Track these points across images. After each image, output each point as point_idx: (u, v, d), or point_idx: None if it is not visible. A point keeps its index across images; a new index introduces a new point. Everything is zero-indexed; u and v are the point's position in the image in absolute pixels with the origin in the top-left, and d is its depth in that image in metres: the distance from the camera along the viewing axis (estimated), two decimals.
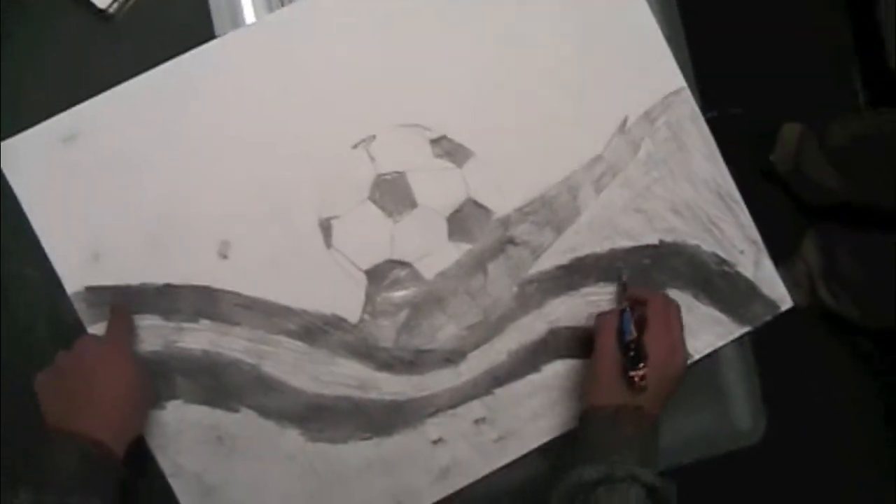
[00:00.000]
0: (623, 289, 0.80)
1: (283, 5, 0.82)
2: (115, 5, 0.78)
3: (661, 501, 0.66)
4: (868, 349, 1.49)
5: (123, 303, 0.77)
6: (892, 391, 1.50)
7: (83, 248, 0.78)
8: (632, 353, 0.70)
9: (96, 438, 0.67)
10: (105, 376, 0.71)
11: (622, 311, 0.74)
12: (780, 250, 1.37)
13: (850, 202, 1.38)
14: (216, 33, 0.81)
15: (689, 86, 0.83)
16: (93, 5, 0.78)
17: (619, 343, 0.72)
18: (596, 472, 0.66)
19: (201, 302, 0.78)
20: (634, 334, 0.71)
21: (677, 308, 0.75)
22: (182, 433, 0.78)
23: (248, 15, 0.83)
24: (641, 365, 0.69)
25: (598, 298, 0.81)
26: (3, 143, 0.77)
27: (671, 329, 0.73)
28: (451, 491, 0.80)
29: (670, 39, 0.83)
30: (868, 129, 1.28)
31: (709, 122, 0.85)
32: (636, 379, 0.69)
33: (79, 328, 0.77)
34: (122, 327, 0.76)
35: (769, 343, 0.87)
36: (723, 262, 0.83)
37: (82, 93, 0.78)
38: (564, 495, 0.67)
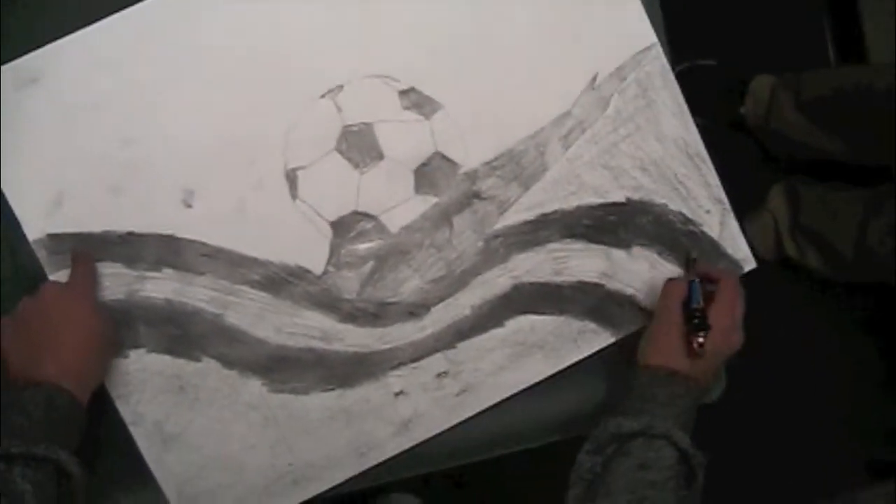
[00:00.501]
0: (692, 263, 0.81)
1: None
2: None
3: (692, 469, 0.67)
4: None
5: (86, 249, 0.77)
6: (856, 349, 1.52)
7: (45, 195, 0.77)
8: (696, 321, 0.71)
9: (60, 385, 0.67)
10: (68, 323, 0.70)
11: (691, 282, 0.75)
12: (748, 202, 1.39)
13: (818, 155, 1.38)
14: None
15: (660, 40, 0.83)
16: None
17: (685, 310, 0.73)
18: (636, 423, 0.68)
19: (165, 251, 0.77)
20: (701, 304, 0.73)
21: (743, 294, 0.76)
22: (144, 382, 0.78)
23: None
24: (703, 333, 0.70)
25: (563, 255, 0.81)
26: None
27: (735, 310, 0.74)
28: (412, 443, 0.81)
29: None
30: (846, 83, 1.27)
31: (680, 73, 0.84)
32: (695, 346, 0.70)
33: (41, 275, 0.76)
34: (85, 274, 0.75)
35: None
36: (688, 221, 0.83)
37: (46, 36, 0.76)
38: (598, 442, 0.68)
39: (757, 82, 1.40)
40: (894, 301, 1.42)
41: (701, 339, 0.70)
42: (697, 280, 0.76)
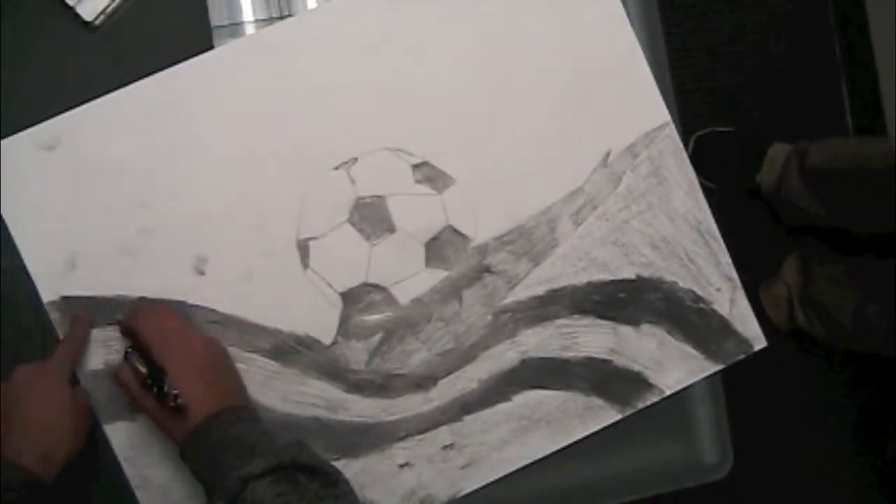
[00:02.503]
0: (123, 329, 0.77)
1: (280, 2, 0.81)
2: (101, 17, 0.78)
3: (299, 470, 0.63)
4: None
5: (84, 318, 0.77)
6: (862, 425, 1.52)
7: (59, 257, 0.78)
8: (154, 390, 0.68)
9: (19, 464, 0.67)
10: (35, 402, 0.71)
11: (126, 355, 0.72)
12: (764, 271, 1.39)
13: (823, 223, 1.39)
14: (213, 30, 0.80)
15: (674, 116, 0.83)
16: (79, 17, 0.78)
17: (142, 384, 0.69)
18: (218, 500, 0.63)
19: None
20: (142, 369, 0.69)
21: (158, 305, 0.75)
22: (151, 446, 0.78)
23: (247, 13, 0.82)
24: (172, 390, 0.67)
25: (571, 330, 0.82)
26: None
27: (168, 329, 0.71)
28: None
29: (656, 65, 0.83)
30: (847, 156, 1.28)
31: (699, 139, 0.85)
32: (173, 405, 0.67)
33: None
34: (73, 344, 0.76)
35: (740, 376, 0.88)
36: (698, 298, 0.83)
37: (66, 102, 0.78)
38: None
39: (774, 150, 1.41)
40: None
41: (174, 393, 0.66)
42: (128, 350, 0.72)
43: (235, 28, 0.81)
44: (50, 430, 0.71)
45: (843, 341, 1.38)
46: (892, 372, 1.36)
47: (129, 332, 0.75)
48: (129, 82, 0.78)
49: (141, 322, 0.72)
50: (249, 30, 0.81)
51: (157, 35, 0.80)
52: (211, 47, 0.80)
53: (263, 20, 0.81)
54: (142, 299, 0.77)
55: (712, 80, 1.48)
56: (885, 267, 1.29)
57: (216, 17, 0.81)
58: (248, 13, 0.81)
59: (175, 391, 0.67)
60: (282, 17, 0.81)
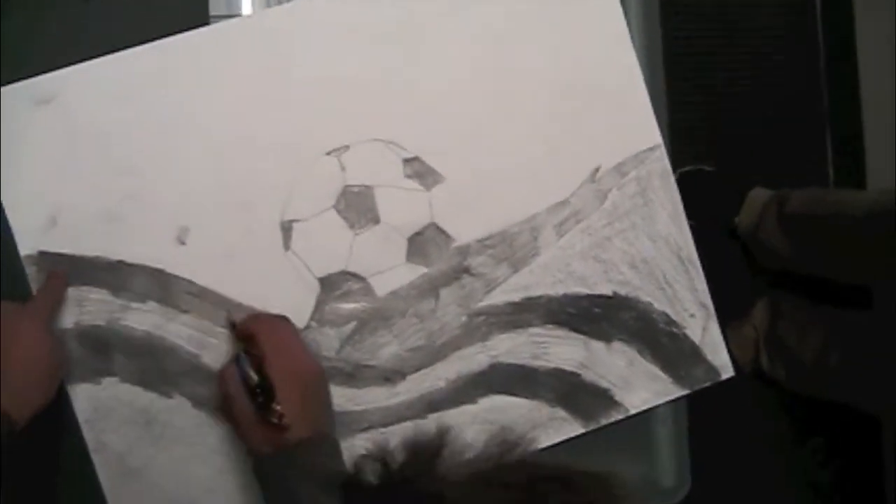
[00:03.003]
0: (233, 329, 0.77)
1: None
2: None
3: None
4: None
5: (61, 274, 0.77)
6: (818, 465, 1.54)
7: (42, 212, 0.78)
8: (259, 400, 0.67)
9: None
10: (14, 343, 0.70)
11: (237, 358, 0.71)
12: (733, 311, 1.41)
13: (796, 269, 1.41)
14: (211, 19, 0.81)
15: (664, 141, 0.84)
16: None
17: (247, 391, 0.69)
18: None
19: (152, 284, 0.78)
20: (254, 378, 0.68)
21: (283, 321, 0.74)
22: (112, 410, 0.78)
23: (246, 6, 0.83)
24: (274, 405, 0.66)
25: (543, 340, 0.82)
26: None
27: (287, 346, 0.71)
28: None
29: (653, 92, 0.84)
30: (825, 204, 1.31)
31: (682, 175, 0.86)
32: (275, 421, 0.66)
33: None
34: (48, 297, 0.76)
35: (703, 402, 0.88)
36: (672, 322, 0.84)
37: (63, 60, 0.78)
38: None
39: (754, 194, 1.44)
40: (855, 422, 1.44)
41: (279, 411, 0.66)
42: (241, 353, 0.71)
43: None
44: (29, 372, 0.70)
45: (803, 386, 1.40)
46: (852, 415, 1.37)
47: (243, 337, 0.74)
48: (129, 46, 0.78)
49: (261, 332, 0.71)
50: None
51: (156, 12, 0.80)
52: None
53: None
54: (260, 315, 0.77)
55: (702, 119, 1.51)
56: (851, 316, 1.32)
57: (215, 6, 0.81)
58: (247, 6, 0.82)
59: (278, 406, 0.67)
60: None
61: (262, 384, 0.68)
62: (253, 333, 0.72)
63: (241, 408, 0.69)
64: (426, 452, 0.45)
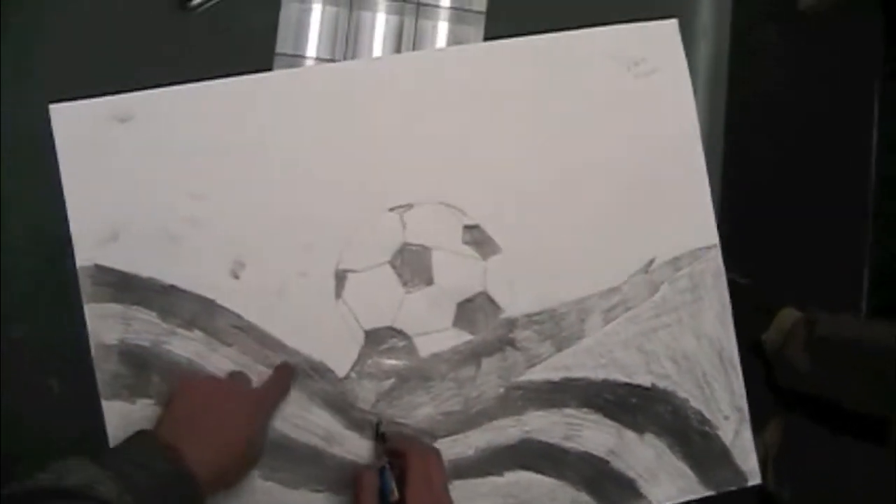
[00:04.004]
0: (381, 440, 0.78)
1: (346, 48, 0.83)
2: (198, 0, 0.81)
3: None
4: None
5: (290, 368, 0.79)
6: None
7: (104, 226, 0.79)
8: None
9: (199, 474, 0.64)
10: (229, 422, 0.70)
11: (381, 470, 0.71)
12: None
13: (819, 394, 1.41)
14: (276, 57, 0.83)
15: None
16: None
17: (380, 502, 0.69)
18: None
19: (201, 313, 0.79)
20: (396, 495, 0.69)
21: (436, 455, 0.74)
22: None
23: (311, 49, 0.84)
24: None
25: (577, 422, 0.82)
26: (56, 105, 0.78)
27: (432, 482, 0.70)
28: None
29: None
30: (855, 332, 1.31)
31: None
32: None
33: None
34: (277, 389, 0.77)
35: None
36: (705, 421, 0.84)
37: (139, 76, 0.79)
38: None
39: (784, 314, 1.44)
40: None
41: None
42: (387, 465, 0.71)
43: (296, 59, 0.83)
44: (233, 453, 0.69)
45: None
46: None
47: (390, 452, 0.74)
48: (207, 71, 0.80)
49: (412, 455, 0.71)
50: (309, 64, 0.83)
51: (224, 40, 0.82)
52: (269, 68, 0.82)
53: (324, 59, 0.84)
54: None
55: (744, 230, 1.51)
56: (866, 449, 1.30)
57: (282, 44, 0.83)
58: (311, 49, 0.84)
59: None
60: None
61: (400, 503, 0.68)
62: (403, 453, 0.72)
63: None
64: None
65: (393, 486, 0.69)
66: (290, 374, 0.78)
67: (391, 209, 0.81)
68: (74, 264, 0.78)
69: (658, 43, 0.85)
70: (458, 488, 0.81)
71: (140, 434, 0.66)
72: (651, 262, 0.83)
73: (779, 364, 1.45)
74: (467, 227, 0.81)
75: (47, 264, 0.79)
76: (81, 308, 0.78)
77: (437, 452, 0.74)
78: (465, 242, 0.81)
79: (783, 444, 1.42)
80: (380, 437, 0.79)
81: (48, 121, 0.79)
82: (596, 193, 0.83)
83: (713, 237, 0.84)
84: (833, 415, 1.40)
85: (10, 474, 0.59)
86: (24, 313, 0.80)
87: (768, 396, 1.49)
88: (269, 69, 0.82)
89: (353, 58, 0.84)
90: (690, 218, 0.84)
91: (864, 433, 1.37)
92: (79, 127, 0.79)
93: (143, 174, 0.79)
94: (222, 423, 0.69)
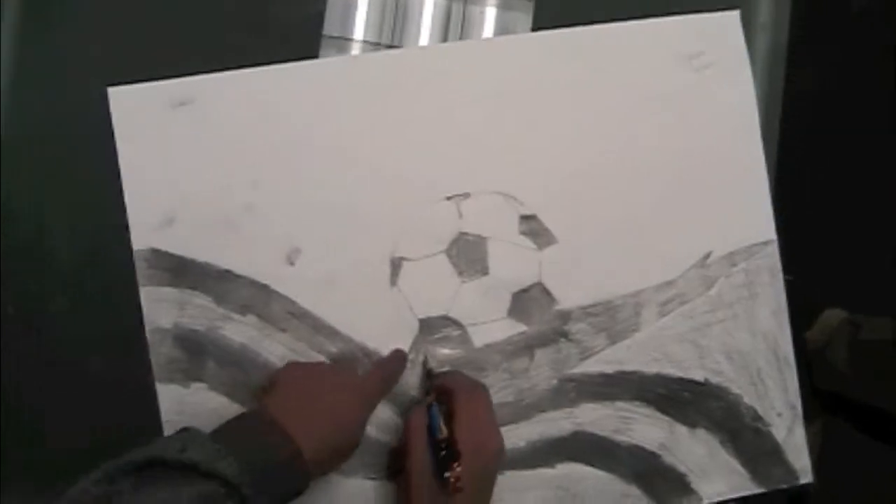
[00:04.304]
0: (427, 377, 0.77)
1: (393, 30, 0.83)
2: None
3: None
4: None
5: (403, 355, 0.79)
6: None
7: (161, 210, 0.79)
8: (443, 453, 0.67)
9: (308, 459, 0.64)
10: (349, 416, 0.71)
11: (429, 407, 0.71)
12: None
13: (859, 399, 1.39)
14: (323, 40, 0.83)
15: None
16: None
17: (431, 442, 0.69)
18: None
19: (256, 298, 0.79)
20: (445, 432, 0.68)
21: (485, 392, 0.73)
22: (196, 416, 0.78)
23: (358, 32, 0.84)
24: (456, 465, 0.66)
25: (629, 415, 0.82)
26: (115, 89, 0.78)
27: (480, 418, 0.70)
28: None
29: None
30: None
31: None
32: (452, 480, 0.66)
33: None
34: (385, 381, 0.77)
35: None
36: (758, 418, 0.83)
37: (194, 61, 0.80)
38: None
39: (828, 314, 1.43)
40: None
41: (457, 473, 0.65)
42: (435, 403, 0.71)
43: (343, 42, 0.83)
44: (341, 444, 0.70)
45: None
46: None
47: (438, 389, 0.74)
48: (277, 62, 0.80)
49: (459, 392, 0.71)
50: (356, 48, 0.83)
51: (271, 23, 0.82)
52: (315, 52, 0.82)
53: (371, 42, 0.83)
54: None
55: (793, 225, 1.49)
56: None
57: (329, 26, 0.83)
58: (359, 32, 0.83)
59: (458, 468, 0.66)
60: (390, 46, 0.83)
61: (448, 441, 0.68)
62: (451, 390, 0.72)
63: (418, 456, 0.69)
64: None
65: (441, 423, 0.69)
66: (401, 363, 0.78)
67: (448, 198, 0.80)
68: (121, 247, 0.78)
69: (718, 35, 0.84)
70: (507, 479, 0.80)
71: (252, 414, 0.66)
72: (707, 256, 0.82)
73: (820, 364, 1.43)
74: (524, 218, 0.81)
75: (93, 246, 0.80)
76: (128, 290, 0.78)
77: (485, 389, 0.74)
78: (522, 233, 0.81)
79: (822, 449, 1.41)
80: (427, 373, 0.78)
81: (105, 103, 0.79)
82: (652, 186, 0.82)
83: (771, 233, 0.83)
84: (873, 419, 1.39)
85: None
86: (67, 291, 0.80)
87: (808, 397, 1.48)
88: (315, 54, 0.82)
89: (400, 41, 0.83)
90: (747, 213, 0.83)
91: None
92: (137, 110, 0.79)
93: (200, 159, 0.79)
94: (333, 411, 0.69)
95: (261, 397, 0.72)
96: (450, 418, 0.70)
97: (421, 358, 0.80)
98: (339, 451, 0.70)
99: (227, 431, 0.63)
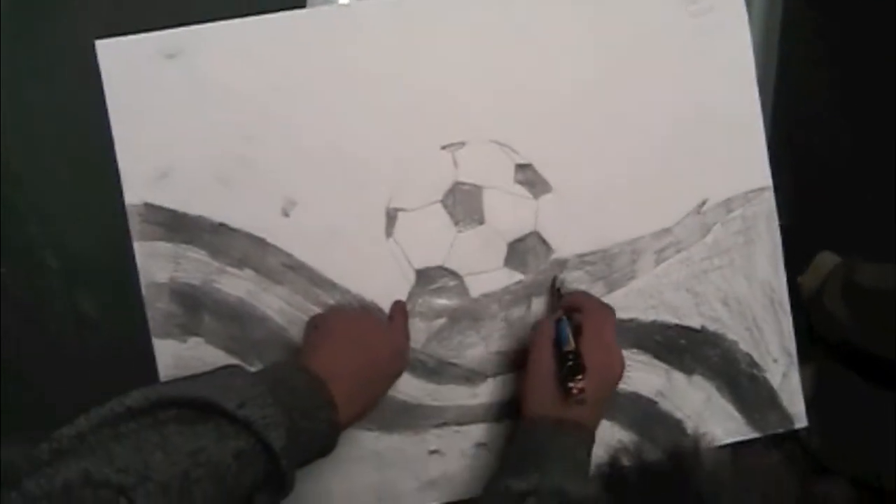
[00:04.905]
0: (558, 296, 0.79)
1: None
2: None
3: None
4: None
5: (405, 309, 0.79)
6: None
7: (154, 165, 0.78)
8: (570, 364, 0.68)
9: (337, 406, 0.63)
10: (390, 369, 0.73)
11: (558, 320, 0.72)
12: None
13: (854, 344, 1.39)
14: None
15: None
16: None
17: (556, 353, 0.70)
18: (525, 483, 0.64)
19: (251, 252, 0.78)
20: (572, 345, 0.69)
21: (611, 312, 0.74)
22: (193, 371, 0.77)
23: None
24: (580, 377, 0.67)
25: (627, 363, 0.81)
26: (103, 41, 0.77)
27: (606, 336, 0.72)
28: (432, 503, 0.80)
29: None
30: (893, 283, 1.29)
31: None
32: (575, 391, 0.66)
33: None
34: (406, 325, 0.78)
35: None
36: (754, 364, 0.84)
37: (185, 12, 0.78)
38: None
39: (822, 257, 1.42)
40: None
41: (580, 385, 0.66)
42: (564, 318, 0.73)
43: None
44: (374, 403, 0.70)
45: (836, 461, 1.38)
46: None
47: (568, 306, 0.75)
48: (265, 13, 0.78)
49: (589, 311, 0.73)
50: None
51: None
52: (303, 2, 0.81)
53: None
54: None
55: (788, 171, 1.48)
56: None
57: None
58: None
59: (582, 381, 0.67)
60: None
61: (575, 354, 0.68)
62: (580, 309, 0.73)
63: (543, 363, 0.70)
64: (683, 451, 0.44)
65: (570, 335, 0.70)
66: (407, 315, 0.79)
67: (443, 147, 0.80)
68: (116, 198, 0.77)
69: None
70: (508, 427, 0.81)
71: (302, 371, 0.64)
72: (703, 203, 0.82)
73: (814, 309, 1.43)
74: (519, 166, 0.80)
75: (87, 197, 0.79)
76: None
77: (611, 310, 0.75)
78: (518, 181, 0.80)
79: (815, 394, 1.42)
80: (556, 291, 0.79)
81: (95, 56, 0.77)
82: (648, 133, 0.82)
83: (766, 179, 0.83)
84: (867, 364, 1.40)
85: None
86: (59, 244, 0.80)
87: (802, 341, 1.48)
88: (303, 3, 0.80)
89: None
90: (743, 159, 0.83)
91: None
92: (126, 63, 0.78)
93: (192, 112, 0.78)
94: (375, 369, 0.70)
95: (308, 339, 0.72)
96: (576, 333, 0.71)
97: (552, 276, 0.81)
98: (369, 411, 0.70)
99: (278, 385, 0.60)
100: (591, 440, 0.69)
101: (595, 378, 0.68)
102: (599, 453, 0.71)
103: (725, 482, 0.39)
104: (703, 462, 0.42)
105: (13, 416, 0.79)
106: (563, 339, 0.70)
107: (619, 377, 0.72)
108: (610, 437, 0.82)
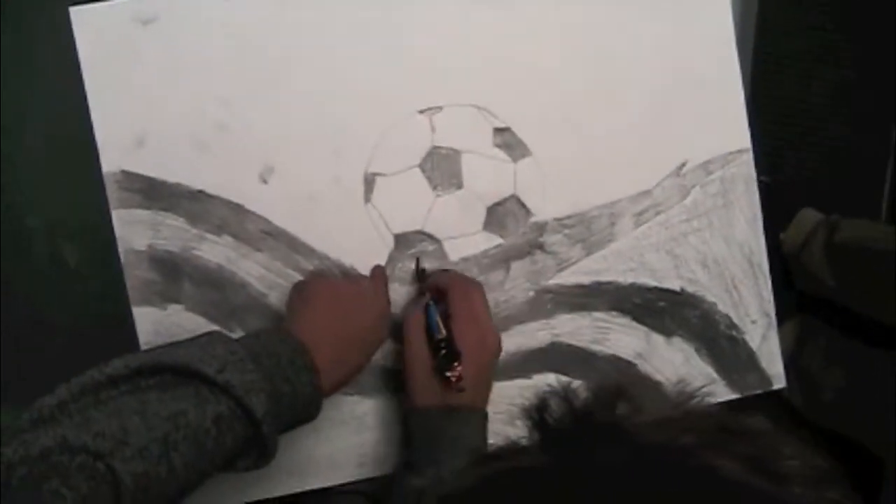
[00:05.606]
0: (422, 276, 0.78)
1: None
2: None
3: None
4: None
5: (385, 273, 0.78)
6: None
7: (130, 132, 0.78)
8: (443, 353, 0.68)
9: (319, 372, 0.63)
10: (374, 336, 0.72)
11: (427, 307, 0.72)
12: None
13: (835, 300, 1.40)
14: None
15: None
16: None
17: (429, 341, 0.70)
18: (422, 479, 0.65)
19: (230, 218, 0.78)
20: (443, 332, 0.69)
21: (479, 289, 0.74)
22: (173, 337, 0.76)
23: None
24: (455, 364, 0.67)
25: (606, 325, 0.82)
26: (77, 8, 0.76)
27: (477, 314, 0.71)
28: None
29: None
30: (876, 238, 1.29)
31: None
32: (453, 380, 0.67)
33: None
34: (386, 288, 0.77)
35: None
36: (733, 326, 0.84)
37: None
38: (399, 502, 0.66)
39: (803, 214, 1.41)
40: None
41: (457, 372, 0.66)
42: (432, 303, 0.72)
43: None
44: (357, 370, 0.69)
45: (818, 416, 1.39)
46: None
47: (434, 289, 0.75)
48: None
49: (454, 291, 0.72)
50: None
51: None
52: None
53: None
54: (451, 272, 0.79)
55: (769, 130, 1.48)
56: (879, 356, 1.30)
57: None
58: None
59: (459, 367, 0.67)
60: None
61: (448, 340, 0.68)
62: (445, 290, 0.73)
63: (418, 355, 0.70)
64: (610, 393, 0.45)
65: (439, 322, 0.70)
66: (384, 274, 0.78)
67: (421, 111, 0.79)
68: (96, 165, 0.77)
69: None
70: None
71: (285, 337, 0.64)
72: (682, 165, 0.82)
73: (796, 266, 1.44)
74: (497, 130, 0.80)
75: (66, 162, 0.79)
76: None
77: (479, 286, 0.75)
78: (496, 145, 0.80)
79: (796, 349, 1.42)
80: (420, 273, 0.79)
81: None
82: (627, 96, 0.81)
83: (745, 141, 0.83)
84: (849, 320, 1.40)
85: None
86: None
87: (783, 298, 1.48)
88: None
89: None
90: (722, 121, 0.83)
91: (880, 340, 1.37)
92: (101, 30, 0.77)
93: (168, 78, 0.78)
94: (359, 337, 0.70)
95: (291, 305, 0.71)
96: (446, 318, 0.70)
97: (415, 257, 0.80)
98: (352, 377, 0.70)
99: (259, 351, 0.61)
100: (484, 419, 0.70)
101: (472, 360, 0.68)
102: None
103: (659, 419, 0.39)
104: (629, 399, 0.42)
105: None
106: (433, 328, 0.70)
107: (496, 352, 0.72)
108: None
